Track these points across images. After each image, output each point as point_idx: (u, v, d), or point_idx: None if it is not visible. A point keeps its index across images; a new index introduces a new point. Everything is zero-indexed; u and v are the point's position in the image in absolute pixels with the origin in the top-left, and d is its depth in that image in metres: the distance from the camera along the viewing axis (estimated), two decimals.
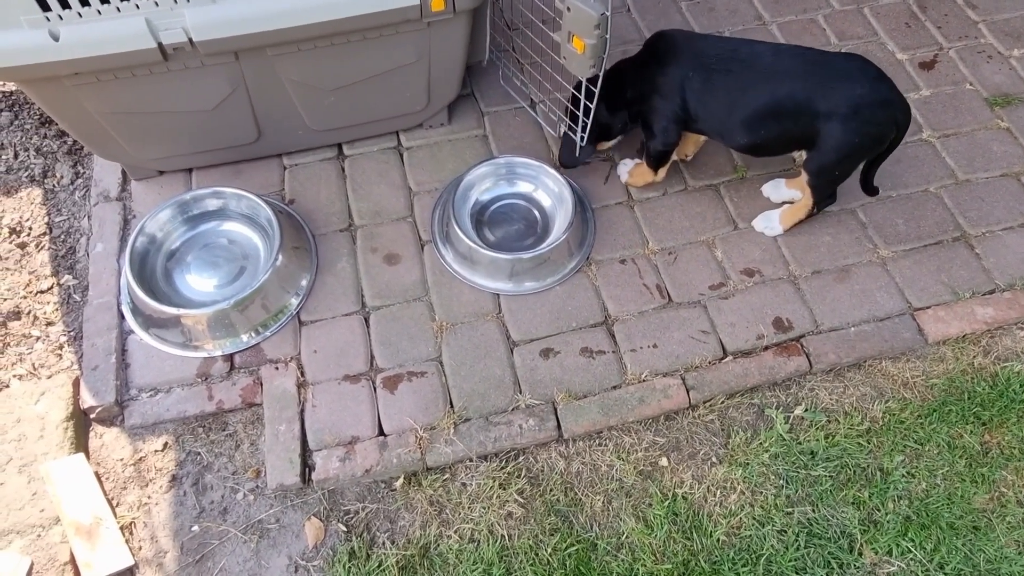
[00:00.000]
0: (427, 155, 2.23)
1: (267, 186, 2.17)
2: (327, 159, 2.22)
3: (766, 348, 1.92)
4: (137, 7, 1.65)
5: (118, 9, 1.64)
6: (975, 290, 2.01)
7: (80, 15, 1.64)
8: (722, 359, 1.91)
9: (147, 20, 1.66)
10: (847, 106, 1.73)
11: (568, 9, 1.70)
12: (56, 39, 1.64)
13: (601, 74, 1.81)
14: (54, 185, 2.20)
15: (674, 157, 2.18)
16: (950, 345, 1.94)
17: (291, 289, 1.96)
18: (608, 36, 1.70)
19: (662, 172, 2.10)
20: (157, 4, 1.66)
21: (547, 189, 2.11)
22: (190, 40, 1.71)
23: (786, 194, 2.12)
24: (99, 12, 1.64)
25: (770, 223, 2.08)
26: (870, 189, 2.01)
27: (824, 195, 1.98)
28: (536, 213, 2.12)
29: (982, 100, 2.38)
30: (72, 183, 2.20)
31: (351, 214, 2.12)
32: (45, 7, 1.61)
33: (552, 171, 2.08)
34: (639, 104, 1.96)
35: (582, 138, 2.08)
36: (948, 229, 2.11)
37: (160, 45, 1.70)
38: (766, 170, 2.22)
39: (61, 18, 1.63)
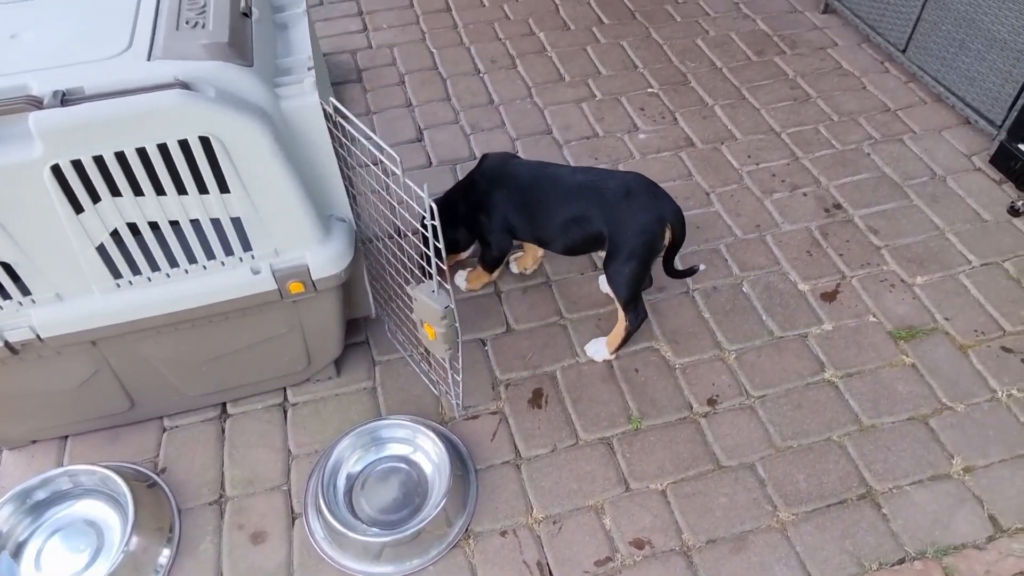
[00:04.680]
0: (311, 412, 2.18)
1: (142, 452, 2.10)
2: (209, 419, 2.16)
3: None
4: None
5: None
6: (882, 560, 1.85)
7: None
8: None
9: None
10: (627, 216, 2.04)
11: (414, 300, 1.69)
12: None
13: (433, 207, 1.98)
14: None
15: (516, 270, 2.50)
16: None
17: (147, 574, 1.83)
18: (458, 325, 1.68)
19: (496, 272, 2.41)
20: (1, 307, 1.66)
21: (424, 451, 2.03)
22: (38, 336, 1.70)
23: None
24: None
25: (599, 348, 2.27)
26: (673, 272, 2.23)
27: (629, 302, 2.14)
28: (416, 476, 2.02)
29: (886, 333, 2.33)
30: None
31: (224, 483, 2.03)
32: None
33: (430, 432, 2.01)
34: (473, 220, 2.24)
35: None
36: (852, 485, 1.99)
37: (7, 343, 1.69)
38: (662, 419, 2.14)
39: None
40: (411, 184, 1.51)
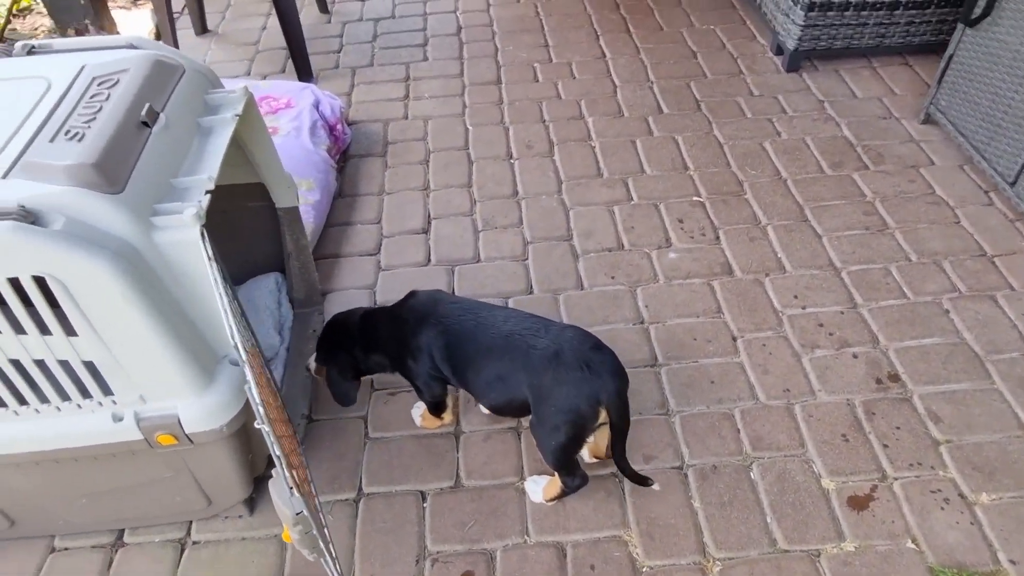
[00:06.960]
0: (211, 555, 1.90)
1: (21, 575, 1.88)
2: (100, 546, 1.92)
3: None
4: None
5: None
6: None
7: None
8: None
9: None
10: (553, 386, 1.71)
11: (270, 492, 1.38)
12: None
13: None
14: None
15: (485, 410, 2.12)
16: None
17: None
18: (315, 532, 1.35)
19: (448, 416, 2.11)
20: None
21: None
22: None
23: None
24: None
25: (536, 488, 1.97)
26: (625, 471, 1.83)
27: (561, 468, 1.83)
28: None
29: (926, 569, 1.81)
30: None
31: None
32: None
33: None
34: (400, 362, 1.95)
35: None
36: None
37: None
38: None
39: None
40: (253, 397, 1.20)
